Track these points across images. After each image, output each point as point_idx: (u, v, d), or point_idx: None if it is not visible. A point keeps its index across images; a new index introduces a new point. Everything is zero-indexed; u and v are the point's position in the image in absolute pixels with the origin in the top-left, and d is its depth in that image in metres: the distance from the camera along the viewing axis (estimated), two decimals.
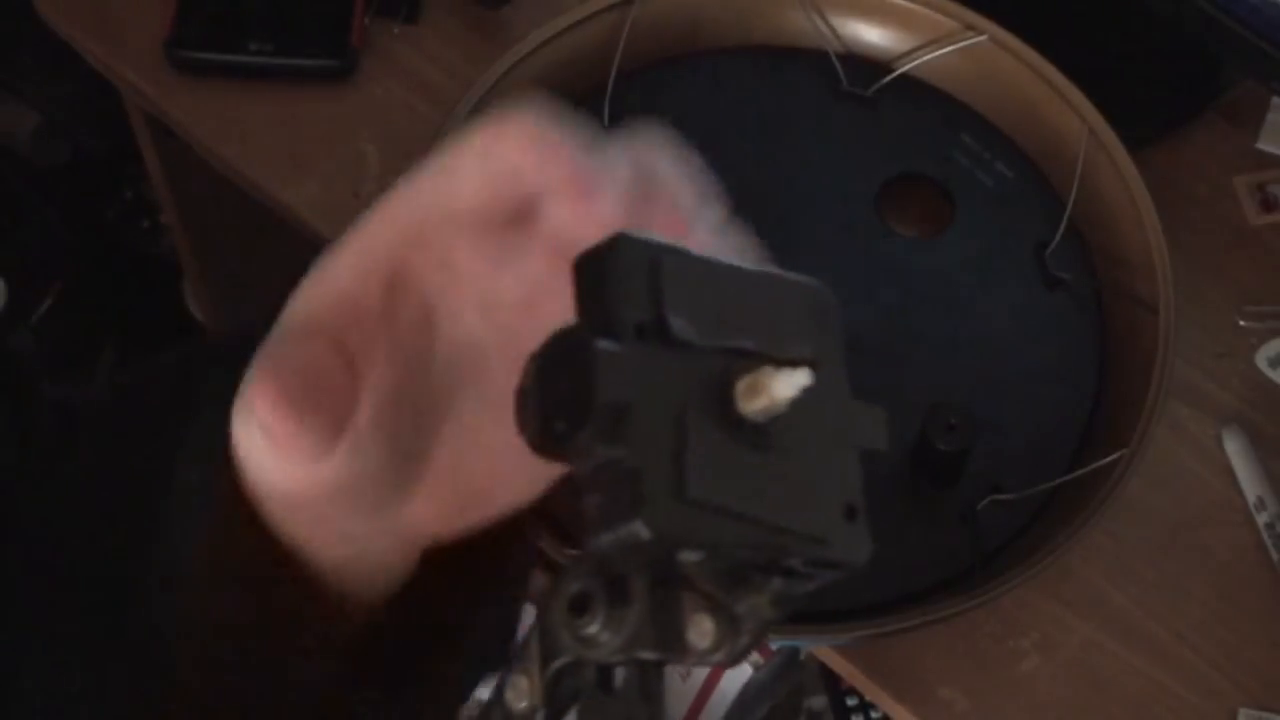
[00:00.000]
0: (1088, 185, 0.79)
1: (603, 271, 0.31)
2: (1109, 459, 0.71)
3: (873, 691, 0.75)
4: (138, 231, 1.38)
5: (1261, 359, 0.82)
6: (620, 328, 0.30)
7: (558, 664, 0.31)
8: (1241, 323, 0.83)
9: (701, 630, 0.30)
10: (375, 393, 0.34)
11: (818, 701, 1.10)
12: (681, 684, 1.16)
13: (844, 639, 0.74)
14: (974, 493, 0.73)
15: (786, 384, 0.30)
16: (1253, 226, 0.87)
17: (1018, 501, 0.72)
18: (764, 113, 0.83)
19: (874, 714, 1.09)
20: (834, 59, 0.83)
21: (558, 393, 0.30)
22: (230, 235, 1.18)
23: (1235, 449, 0.79)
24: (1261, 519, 0.78)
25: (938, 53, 0.82)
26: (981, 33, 0.81)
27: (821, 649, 0.77)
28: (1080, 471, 0.72)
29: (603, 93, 0.81)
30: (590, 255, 0.31)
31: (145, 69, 0.91)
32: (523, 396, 0.31)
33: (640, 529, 0.29)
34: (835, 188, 0.81)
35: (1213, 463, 0.80)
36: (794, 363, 0.30)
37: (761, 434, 0.30)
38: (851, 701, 1.09)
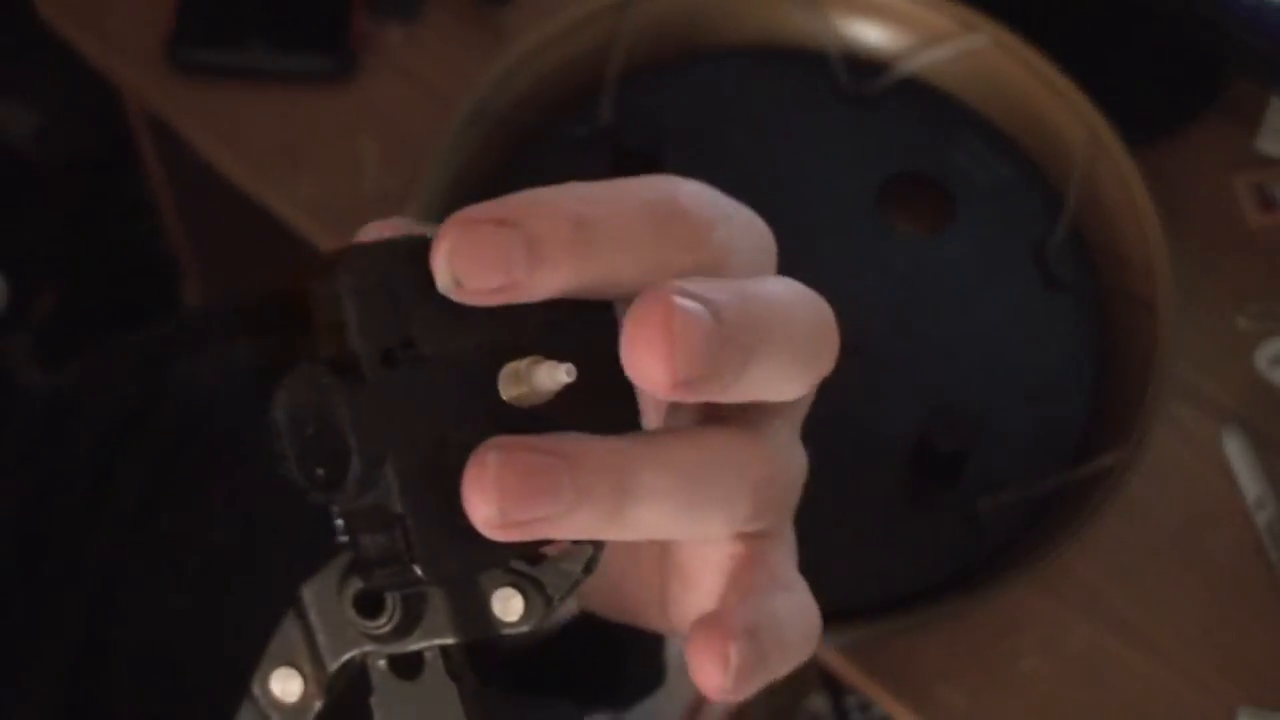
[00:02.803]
0: (1088, 185, 0.79)
1: (335, 296, 0.28)
2: (1109, 459, 0.71)
3: (873, 691, 0.75)
4: (138, 231, 1.38)
5: (1261, 359, 0.82)
6: (366, 362, 0.28)
7: (344, 658, 0.30)
8: (1241, 323, 0.83)
9: (509, 607, 0.29)
10: None
11: (818, 701, 1.10)
12: (682, 684, 1.15)
13: (844, 639, 0.74)
14: (974, 493, 0.73)
15: (548, 376, 0.28)
16: (1253, 226, 0.87)
17: (1018, 501, 0.72)
18: (764, 112, 0.83)
19: (874, 714, 1.09)
20: (834, 59, 0.83)
21: (311, 437, 0.28)
22: (230, 235, 1.18)
23: (1235, 449, 0.79)
24: (1261, 519, 0.78)
25: (938, 53, 0.82)
26: (981, 33, 0.81)
27: (821, 649, 0.77)
28: (1080, 471, 0.72)
29: (603, 93, 0.81)
30: (319, 276, 0.28)
31: (145, 69, 0.92)
32: (275, 428, 0.28)
33: (419, 572, 0.28)
34: (835, 187, 0.81)
35: (1213, 463, 0.80)
36: (559, 357, 0.28)
37: (531, 422, 0.29)
38: (851, 701, 1.09)
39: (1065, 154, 0.80)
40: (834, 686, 1.09)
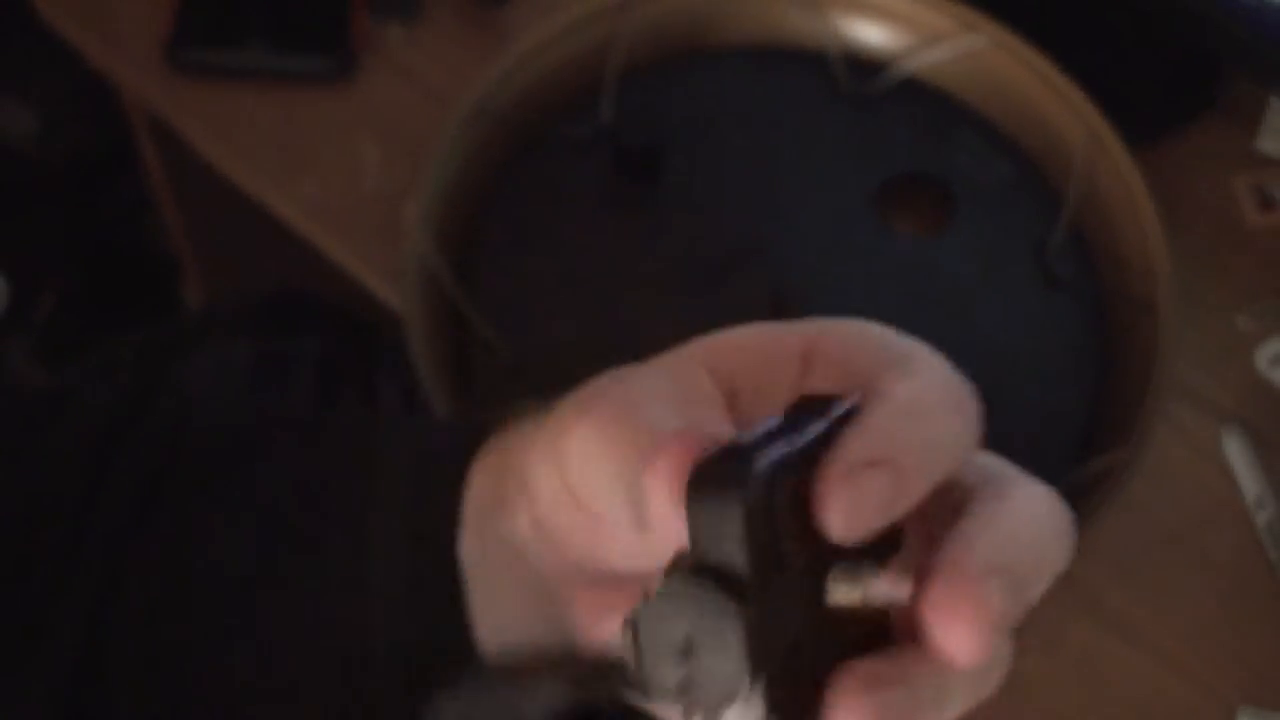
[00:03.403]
0: (1088, 185, 0.79)
1: (728, 511, 0.28)
2: (1109, 459, 0.71)
3: None
4: (138, 231, 1.38)
5: (1261, 359, 0.82)
6: (752, 582, 0.28)
7: None
8: (1241, 323, 0.83)
9: None
10: None
11: None
12: None
13: None
14: None
15: (886, 590, 0.30)
16: (1252, 226, 0.87)
17: None
18: (764, 113, 0.83)
19: None
20: (834, 59, 0.83)
21: (681, 647, 0.29)
22: (230, 235, 1.18)
23: (1235, 449, 0.79)
24: (1261, 519, 0.78)
25: (938, 53, 0.82)
26: (981, 33, 0.81)
27: None
28: (1080, 471, 0.72)
29: (603, 93, 0.81)
30: (707, 489, 0.29)
31: (144, 68, 0.92)
32: (635, 632, 0.29)
33: None
34: (835, 187, 0.81)
35: (1213, 463, 0.80)
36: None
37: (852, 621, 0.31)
38: None
39: (1065, 154, 0.80)
40: None
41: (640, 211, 0.80)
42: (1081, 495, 0.71)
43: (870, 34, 0.84)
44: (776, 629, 0.29)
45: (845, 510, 0.30)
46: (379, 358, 0.94)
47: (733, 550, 0.28)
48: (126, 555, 0.45)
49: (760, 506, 0.29)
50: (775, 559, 0.29)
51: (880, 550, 0.31)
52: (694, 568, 0.28)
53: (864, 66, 0.83)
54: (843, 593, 0.30)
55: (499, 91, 0.80)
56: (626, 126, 0.81)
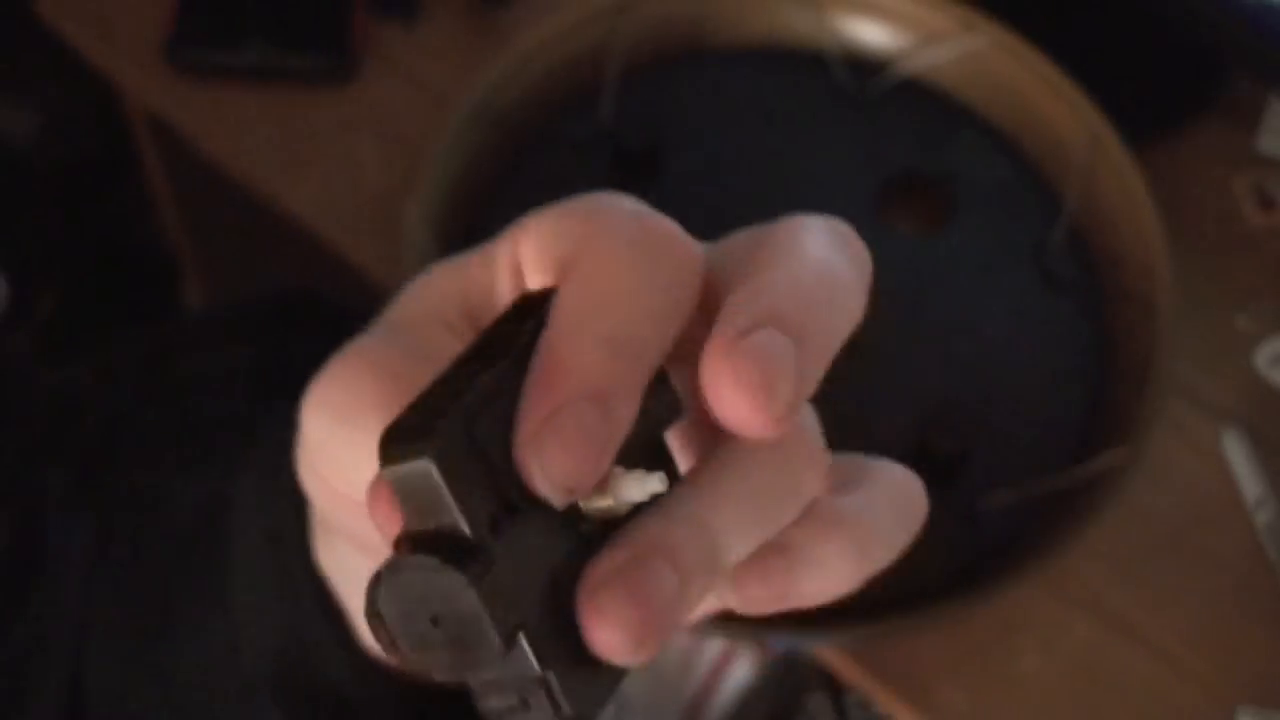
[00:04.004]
0: (1088, 185, 0.79)
1: (423, 477, 0.26)
2: (1109, 459, 0.71)
3: (873, 691, 0.75)
4: (138, 231, 1.38)
5: (1261, 359, 0.82)
6: (476, 539, 0.26)
7: None
8: (1241, 323, 0.83)
9: None
10: None
11: (818, 701, 1.10)
12: (681, 684, 1.16)
13: (844, 639, 0.74)
14: (974, 493, 0.73)
15: (638, 488, 0.28)
16: (1252, 226, 0.87)
17: (1018, 501, 0.72)
18: (764, 113, 0.84)
19: (874, 713, 1.09)
20: (834, 59, 0.83)
21: (429, 626, 0.26)
22: (230, 235, 1.18)
23: (1235, 449, 0.79)
24: (1261, 519, 0.78)
25: (938, 53, 0.82)
26: (982, 33, 0.81)
27: (821, 649, 0.77)
28: (1080, 471, 0.72)
29: (603, 93, 0.81)
30: (395, 458, 0.26)
31: (145, 69, 0.92)
32: (383, 624, 0.27)
33: None
34: (835, 187, 0.81)
35: (1213, 463, 0.80)
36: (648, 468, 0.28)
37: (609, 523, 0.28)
38: (851, 701, 1.09)
39: (1065, 154, 0.80)
40: (834, 686, 1.09)
41: None
42: (1081, 495, 0.71)
43: (870, 34, 0.84)
44: (527, 573, 0.27)
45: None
46: None
47: (443, 510, 0.26)
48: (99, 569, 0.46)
49: (459, 453, 0.26)
50: (502, 498, 0.27)
51: (653, 424, 0.28)
52: (414, 539, 0.26)
53: (864, 66, 0.83)
54: (594, 504, 0.27)
55: (499, 91, 0.80)
56: (626, 126, 0.81)
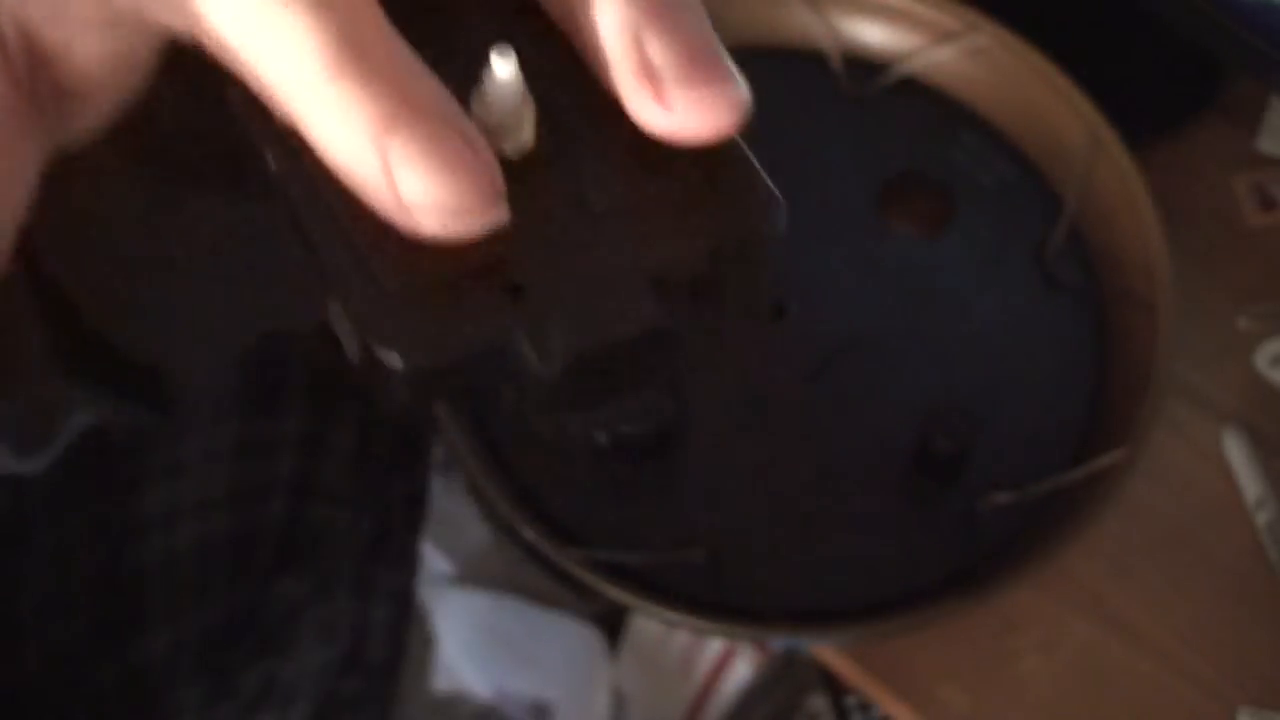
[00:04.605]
0: (1088, 185, 0.79)
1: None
2: (1109, 459, 0.71)
3: (873, 691, 0.75)
4: None
5: (1261, 359, 0.82)
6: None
7: None
8: (1241, 323, 0.83)
9: None
10: None
11: (818, 701, 1.10)
12: (681, 684, 1.16)
13: (844, 639, 0.74)
14: (974, 493, 0.73)
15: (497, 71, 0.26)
16: (1253, 226, 0.87)
17: (1018, 501, 0.72)
18: (763, 113, 0.83)
19: (874, 714, 1.09)
20: (834, 59, 0.83)
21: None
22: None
23: (1235, 449, 0.79)
24: (1261, 519, 0.78)
25: (938, 53, 0.82)
26: (982, 32, 0.81)
27: (821, 649, 0.77)
28: (1080, 471, 0.72)
29: None
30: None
31: None
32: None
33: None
34: (835, 188, 0.81)
35: (1213, 463, 0.80)
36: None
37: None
38: (851, 701, 1.09)
39: (1065, 154, 0.80)
40: (834, 686, 1.09)
41: None
42: (1081, 495, 0.71)
43: (870, 34, 0.84)
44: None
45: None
46: None
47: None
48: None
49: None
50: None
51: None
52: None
53: (864, 66, 0.83)
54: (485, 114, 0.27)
55: None
56: None
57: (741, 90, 0.28)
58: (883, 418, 0.75)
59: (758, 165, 0.28)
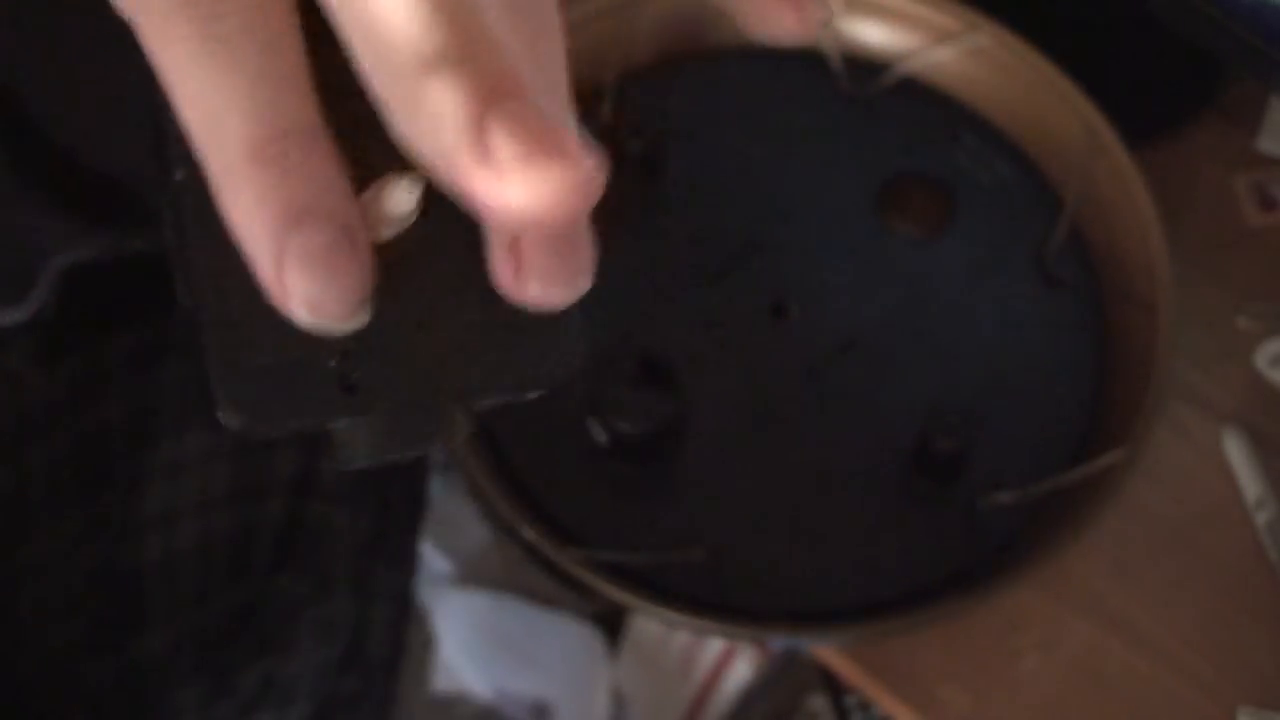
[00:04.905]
0: (1088, 185, 0.79)
1: None
2: (1109, 459, 0.71)
3: (873, 691, 0.75)
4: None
5: (1261, 359, 0.82)
6: None
7: None
8: (1241, 323, 0.83)
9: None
10: None
11: (818, 701, 1.11)
12: (681, 684, 1.16)
13: (844, 639, 0.74)
14: (974, 493, 0.73)
15: (401, 198, 0.28)
16: (1253, 226, 0.87)
17: (1018, 501, 0.72)
18: (764, 113, 0.83)
19: (874, 714, 1.09)
20: (834, 59, 0.83)
21: None
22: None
23: (1235, 449, 0.79)
24: (1261, 519, 0.78)
25: (938, 53, 0.82)
26: (982, 32, 0.81)
27: (821, 649, 0.77)
28: (1080, 471, 0.72)
29: (604, 93, 0.81)
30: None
31: None
32: None
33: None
34: (835, 188, 0.81)
35: (1213, 463, 0.80)
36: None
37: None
38: (851, 701, 1.09)
39: (1065, 154, 0.80)
40: (834, 686, 1.09)
41: (639, 211, 0.80)
42: (1081, 495, 0.71)
43: (870, 34, 0.84)
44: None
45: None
46: None
47: None
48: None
49: None
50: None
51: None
52: None
53: (864, 66, 0.83)
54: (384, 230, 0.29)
55: None
56: (626, 126, 0.81)
57: (587, 282, 0.29)
58: (883, 418, 0.75)
59: (580, 323, 0.30)
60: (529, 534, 0.70)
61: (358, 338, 0.29)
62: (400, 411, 0.29)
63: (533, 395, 0.31)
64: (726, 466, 0.74)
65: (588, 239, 0.29)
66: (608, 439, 0.72)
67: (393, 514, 0.81)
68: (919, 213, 0.81)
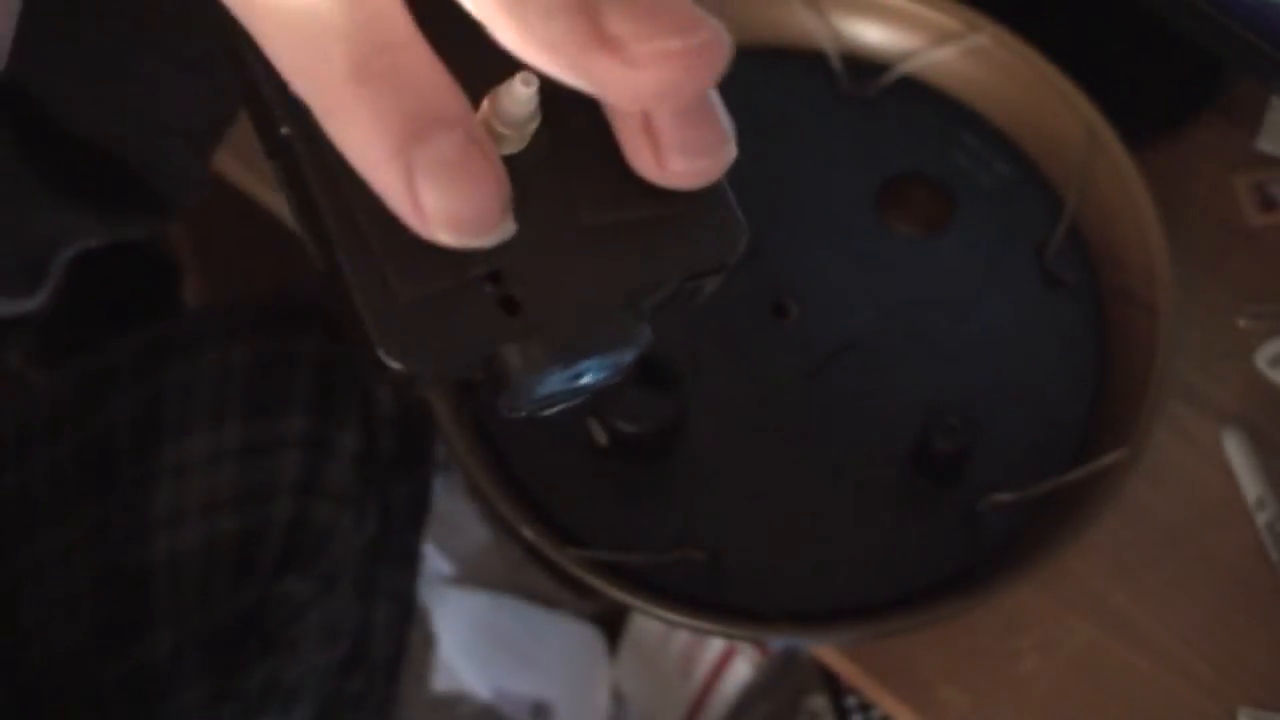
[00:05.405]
0: (1087, 185, 0.79)
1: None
2: (1109, 459, 0.71)
3: (873, 691, 0.75)
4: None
5: (1261, 359, 0.82)
6: None
7: None
8: (1241, 323, 0.83)
9: None
10: None
11: (818, 701, 1.11)
12: (681, 684, 1.16)
13: (844, 639, 0.74)
14: (974, 493, 0.73)
15: (519, 96, 0.27)
16: (1253, 226, 0.87)
17: (1018, 501, 0.72)
18: (764, 113, 0.83)
19: (874, 714, 1.09)
20: (834, 59, 0.83)
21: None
22: (230, 235, 1.18)
23: (1235, 449, 0.79)
24: (1261, 519, 0.78)
25: (938, 53, 0.82)
26: (982, 33, 0.81)
27: (821, 649, 0.77)
28: (1080, 471, 0.72)
29: None
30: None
31: None
32: None
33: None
34: (835, 188, 0.81)
35: (1213, 463, 0.80)
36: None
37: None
38: (851, 701, 1.09)
39: (1065, 154, 0.80)
40: (834, 686, 1.09)
41: None
42: (1081, 495, 0.71)
43: (870, 34, 0.84)
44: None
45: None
46: None
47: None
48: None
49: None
50: None
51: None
52: None
53: (864, 66, 0.83)
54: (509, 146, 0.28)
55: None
56: None
57: (732, 149, 0.28)
58: (882, 418, 0.75)
59: (732, 199, 0.29)
60: (529, 534, 0.70)
61: (507, 255, 0.27)
62: (569, 327, 0.27)
63: (705, 283, 0.29)
64: (727, 467, 0.74)
65: (722, 107, 0.28)
66: (608, 439, 0.72)
67: (396, 516, 0.81)
68: (919, 213, 0.82)
